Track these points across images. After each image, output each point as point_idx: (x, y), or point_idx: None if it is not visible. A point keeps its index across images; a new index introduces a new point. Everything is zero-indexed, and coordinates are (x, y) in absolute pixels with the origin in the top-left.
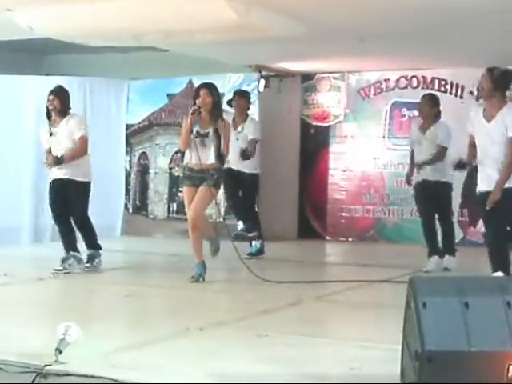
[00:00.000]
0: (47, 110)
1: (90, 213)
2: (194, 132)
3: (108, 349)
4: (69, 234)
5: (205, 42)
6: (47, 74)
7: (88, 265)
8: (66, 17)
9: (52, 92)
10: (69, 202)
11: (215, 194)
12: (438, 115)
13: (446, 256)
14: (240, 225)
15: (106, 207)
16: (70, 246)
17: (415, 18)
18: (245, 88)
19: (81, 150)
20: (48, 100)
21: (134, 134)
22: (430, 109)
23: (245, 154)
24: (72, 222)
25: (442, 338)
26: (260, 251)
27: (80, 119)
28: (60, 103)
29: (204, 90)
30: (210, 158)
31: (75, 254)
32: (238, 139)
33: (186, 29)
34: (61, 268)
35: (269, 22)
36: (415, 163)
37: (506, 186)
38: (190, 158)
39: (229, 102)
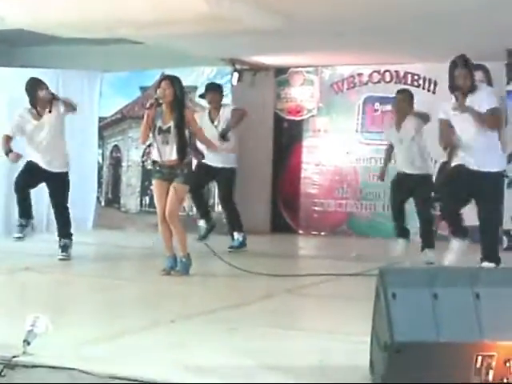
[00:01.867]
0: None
1: None
2: (157, 127)
3: (77, 341)
4: (29, 201)
5: (177, 34)
6: (21, 66)
7: (64, 254)
8: (37, 7)
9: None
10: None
11: (186, 190)
12: (411, 111)
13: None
14: (201, 223)
15: (79, 200)
16: (28, 213)
17: (388, 12)
18: (218, 81)
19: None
20: (41, 89)
21: (107, 127)
22: (407, 105)
23: (224, 134)
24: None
25: (411, 328)
26: (242, 244)
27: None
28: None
29: (165, 82)
30: (173, 154)
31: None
32: (217, 131)
33: (158, 20)
34: (21, 235)
35: (241, 13)
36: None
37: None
38: (155, 154)
39: (201, 95)
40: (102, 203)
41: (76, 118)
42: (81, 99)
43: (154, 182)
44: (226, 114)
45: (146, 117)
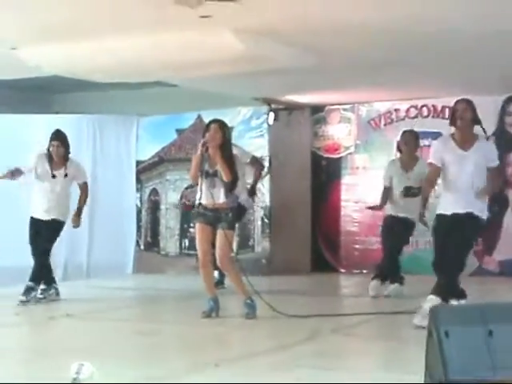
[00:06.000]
0: (48, 152)
1: (100, 249)
2: (204, 171)
3: None
4: (49, 266)
5: (213, 75)
6: (57, 113)
7: (24, 298)
8: (73, 54)
9: (56, 138)
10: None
11: (233, 235)
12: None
13: None
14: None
15: (118, 245)
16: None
17: (425, 46)
18: (254, 122)
19: (87, 194)
20: (52, 146)
21: (144, 171)
22: (415, 145)
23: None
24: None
25: (466, 366)
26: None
27: (81, 165)
28: (64, 149)
29: (214, 125)
30: (220, 197)
31: (56, 285)
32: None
33: (193, 62)
34: (26, 300)
35: (277, 52)
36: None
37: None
38: (201, 197)
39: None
40: (142, 247)
41: (113, 162)
42: (117, 144)
43: (197, 225)
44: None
45: (197, 155)
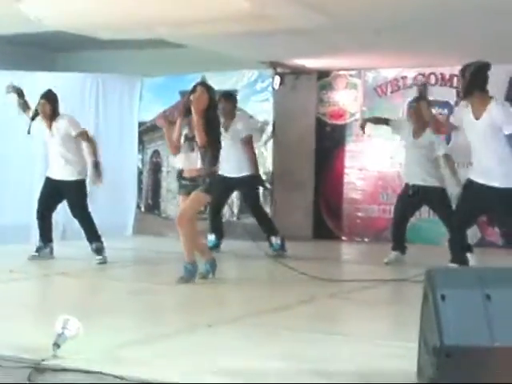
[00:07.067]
0: (36, 112)
1: (101, 210)
2: (183, 135)
3: (111, 344)
4: (49, 225)
5: (216, 35)
6: (62, 71)
7: (99, 257)
8: (75, 7)
9: (43, 96)
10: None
11: (206, 199)
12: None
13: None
14: (209, 237)
15: (118, 206)
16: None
17: (433, 10)
18: (259, 85)
19: (93, 144)
20: (38, 104)
21: (147, 132)
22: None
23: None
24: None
25: (462, 332)
26: (281, 248)
27: (72, 118)
28: (50, 106)
29: (200, 88)
30: (197, 161)
31: (51, 244)
32: (229, 139)
33: (198, 18)
34: (36, 254)
35: (283, 11)
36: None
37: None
38: (180, 162)
39: None
40: (142, 209)
41: (116, 122)
42: (120, 104)
43: (179, 198)
44: (239, 126)
45: (177, 124)
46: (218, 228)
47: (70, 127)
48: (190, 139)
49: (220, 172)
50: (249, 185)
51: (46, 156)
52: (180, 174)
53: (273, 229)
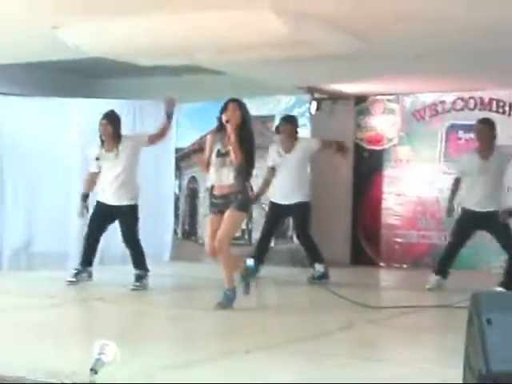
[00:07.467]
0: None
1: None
2: (215, 151)
3: (148, 369)
4: (95, 249)
5: (255, 60)
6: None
7: (136, 284)
8: (113, 34)
9: (104, 117)
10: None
11: (242, 217)
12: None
13: None
14: (248, 261)
15: (156, 232)
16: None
17: (473, 36)
18: (296, 110)
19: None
20: (101, 124)
21: (184, 158)
22: (490, 133)
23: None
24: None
25: (509, 357)
26: (324, 275)
27: (132, 135)
28: (112, 127)
29: (232, 104)
30: (229, 178)
31: (90, 268)
32: (289, 164)
33: (236, 44)
34: (74, 280)
35: (321, 37)
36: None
37: None
38: (211, 179)
39: (276, 129)
40: (179, 235)
41: (153, 149)
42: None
43: (209, 217)
44: (303, 145)
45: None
46: (262, 254)
47: (138, 138)
48: (222, 155)
49: (273, 199)
50: (302, 212)
51: (88, 181)
52: (211, 192)
53: (319, 256)
